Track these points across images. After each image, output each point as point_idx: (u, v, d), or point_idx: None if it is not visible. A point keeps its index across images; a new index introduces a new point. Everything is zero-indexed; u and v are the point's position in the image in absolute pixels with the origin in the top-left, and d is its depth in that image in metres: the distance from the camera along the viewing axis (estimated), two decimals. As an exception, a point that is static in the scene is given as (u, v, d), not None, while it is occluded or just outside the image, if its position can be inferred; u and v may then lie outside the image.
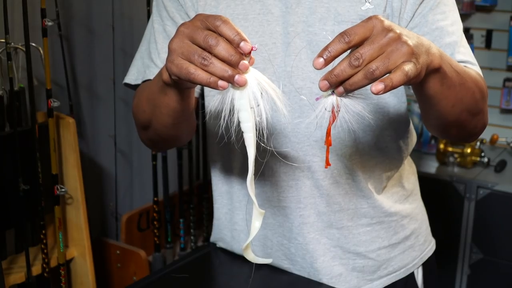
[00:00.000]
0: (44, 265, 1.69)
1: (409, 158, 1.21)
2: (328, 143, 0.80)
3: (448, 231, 2.30)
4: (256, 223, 0.80)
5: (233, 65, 0.73)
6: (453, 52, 0.99)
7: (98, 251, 2.04)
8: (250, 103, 0.75)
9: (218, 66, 0.73)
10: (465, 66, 0.97)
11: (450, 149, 2.43)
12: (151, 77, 1.06)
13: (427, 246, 1.22)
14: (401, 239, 1.15)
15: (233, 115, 0.76)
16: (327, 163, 0.82)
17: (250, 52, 0.74)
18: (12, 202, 1.63)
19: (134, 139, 2.24)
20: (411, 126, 1.17)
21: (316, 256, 1.09)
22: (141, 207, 2.22)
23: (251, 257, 0.83)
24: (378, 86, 0.71)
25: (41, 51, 1.66)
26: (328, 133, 0.79)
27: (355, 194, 1.08)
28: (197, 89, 1.10)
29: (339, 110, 0.76)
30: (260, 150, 0.80)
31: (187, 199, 2.23)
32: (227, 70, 0.73)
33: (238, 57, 0.73)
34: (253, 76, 0.75)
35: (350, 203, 1.08)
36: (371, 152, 1.08)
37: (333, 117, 0.76)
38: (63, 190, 1.69)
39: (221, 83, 0.74)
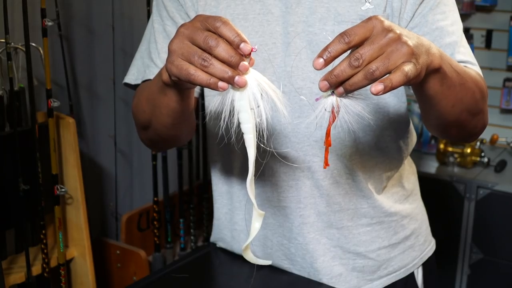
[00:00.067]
0: (44, 265, 1.69)
1: (409, 158, 1.21)
2: (327, 143, 0.80)
3: (448, 231, 2.30)
4: (256, 224, 0.80)
5: (233, 66, 0.73)
6: (453, 52, 0.99)
7: (98, 251, 2.04)
8: (250, 104, 0.75)
9: (218, 67, 0.73)
10: (465, 66, 0.97)
11: (450, 149, 2.43)
12: (151, 77, 1.06)
13: (427, 246, 1.21)
14: (401, 239, 1.15)
15: (233, 116, 0.76)
16: (326, 163, 0.82)
17: (250, 53, 0.74)
18: (12, 202, 1.62)
19: (134, 139, 2.24)
20: (411, 126, 1.16)
21: (316, 256, 1.09)
22: (141, 207, 2.22)
23: (251, 258, 0.83)
24: (377, 86, 0.71)
25: (41, 51, 1.66)
26: (328, 134, 0.79)
27: (355, 194, 1.08)
28: (197, 89, 1.10)
29: (339, 111, 0.76)
30: (260, 151, 0.80)
31: (187, 199, 2.23)
32: (227, 71, 0.73)
33: (238, 58, 0.73)
34: (253, 77, 0.75)
35: (350, 203, 1.08)
36: (371, 152, 1.08)
37: (333, 118, 0.76)
38: (63, 190, 1.69)
39: (221, 84, 0.74)
